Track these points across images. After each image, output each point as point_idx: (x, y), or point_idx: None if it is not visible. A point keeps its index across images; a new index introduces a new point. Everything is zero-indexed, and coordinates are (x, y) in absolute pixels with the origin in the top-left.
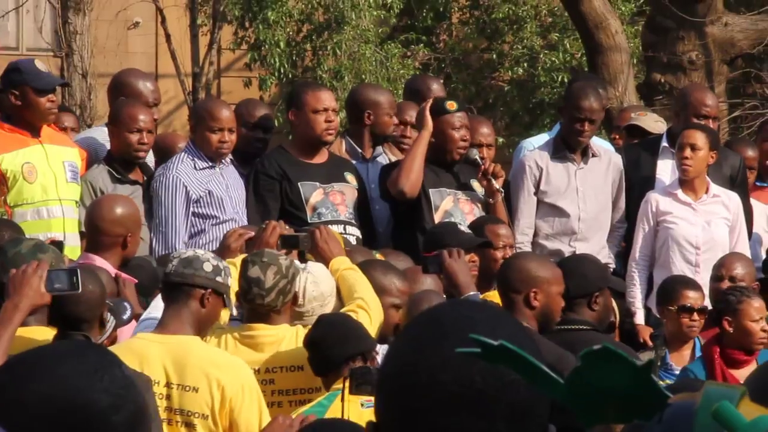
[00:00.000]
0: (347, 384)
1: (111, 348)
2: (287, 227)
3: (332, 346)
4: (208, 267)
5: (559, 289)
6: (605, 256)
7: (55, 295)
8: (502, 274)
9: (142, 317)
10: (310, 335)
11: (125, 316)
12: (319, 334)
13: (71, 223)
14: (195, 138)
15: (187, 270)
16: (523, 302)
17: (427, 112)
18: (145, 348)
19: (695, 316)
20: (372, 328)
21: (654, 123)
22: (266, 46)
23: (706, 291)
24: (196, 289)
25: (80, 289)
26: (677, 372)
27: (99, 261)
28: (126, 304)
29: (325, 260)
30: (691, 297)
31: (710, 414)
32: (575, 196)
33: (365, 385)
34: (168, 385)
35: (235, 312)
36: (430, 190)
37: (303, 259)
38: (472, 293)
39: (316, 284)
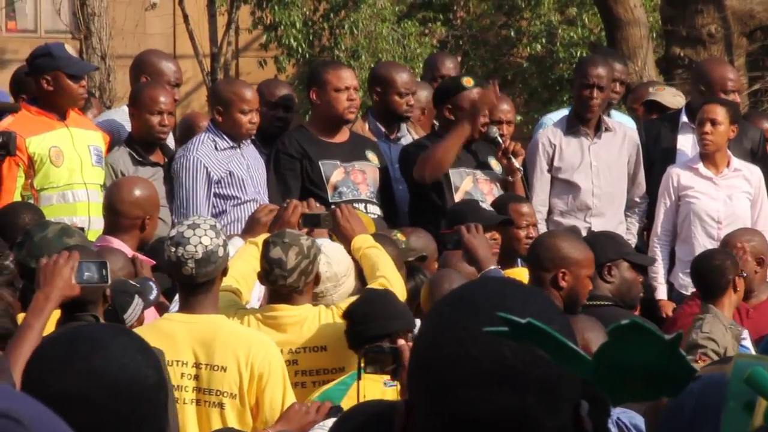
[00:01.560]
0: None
1: (137, 329)
2: (318, 204)
3: (357, 323)
4: (221, 252)
5: (588, 272)
6: (624, 232)
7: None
8: (532, 251)
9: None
10: (347, 308)
11: (152, 297)
12: (353, 308)
13: (96, 207)
14: (223, 120)
15: (209, 268)
16: (551, 282)
17: (484, 109)
18: (173, 329)
19: None
20: None
21: (672, 98)
22: (282, 27)
23: None
24: (219, 275)
25: (109, 282)
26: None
27: (117, 243)
28: (151, 283)
29: (347, 239)
30: None
31: (743, 381)
32: (589, 171)
33: (375, 363)
34: (197, 365)
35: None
36: (450, 170)
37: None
38: (492, 268)
39: (329, 265)
